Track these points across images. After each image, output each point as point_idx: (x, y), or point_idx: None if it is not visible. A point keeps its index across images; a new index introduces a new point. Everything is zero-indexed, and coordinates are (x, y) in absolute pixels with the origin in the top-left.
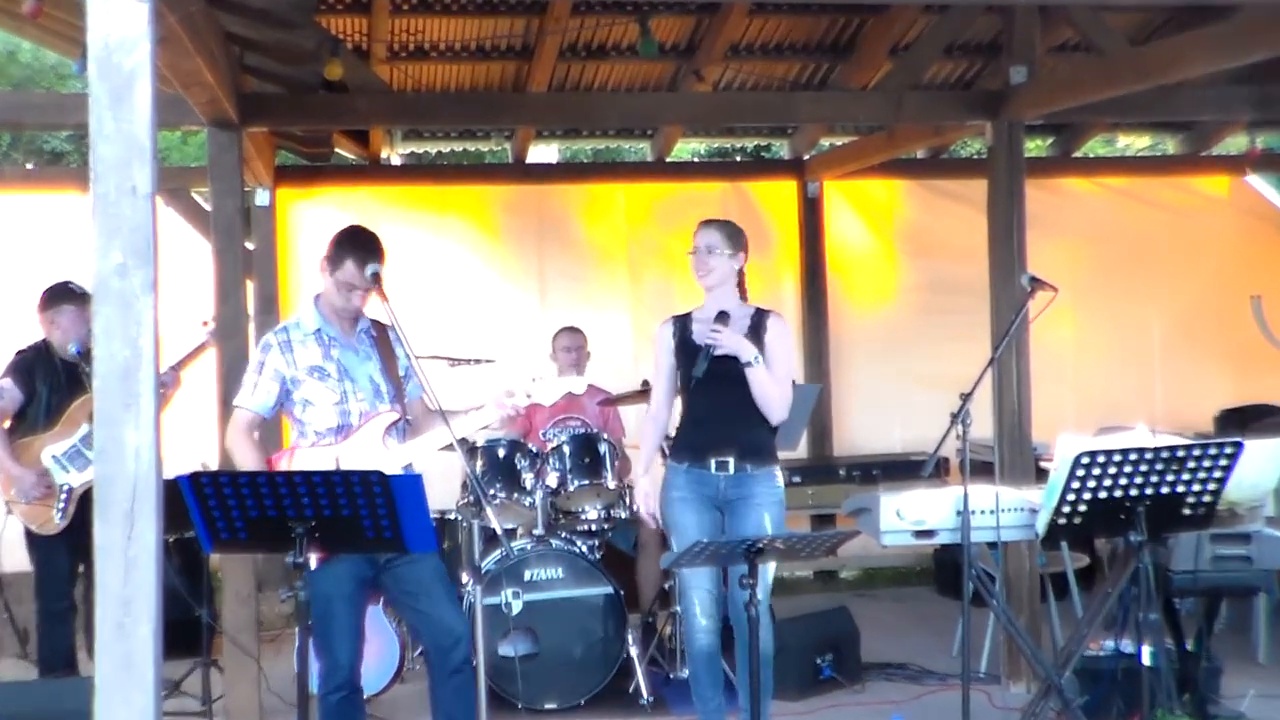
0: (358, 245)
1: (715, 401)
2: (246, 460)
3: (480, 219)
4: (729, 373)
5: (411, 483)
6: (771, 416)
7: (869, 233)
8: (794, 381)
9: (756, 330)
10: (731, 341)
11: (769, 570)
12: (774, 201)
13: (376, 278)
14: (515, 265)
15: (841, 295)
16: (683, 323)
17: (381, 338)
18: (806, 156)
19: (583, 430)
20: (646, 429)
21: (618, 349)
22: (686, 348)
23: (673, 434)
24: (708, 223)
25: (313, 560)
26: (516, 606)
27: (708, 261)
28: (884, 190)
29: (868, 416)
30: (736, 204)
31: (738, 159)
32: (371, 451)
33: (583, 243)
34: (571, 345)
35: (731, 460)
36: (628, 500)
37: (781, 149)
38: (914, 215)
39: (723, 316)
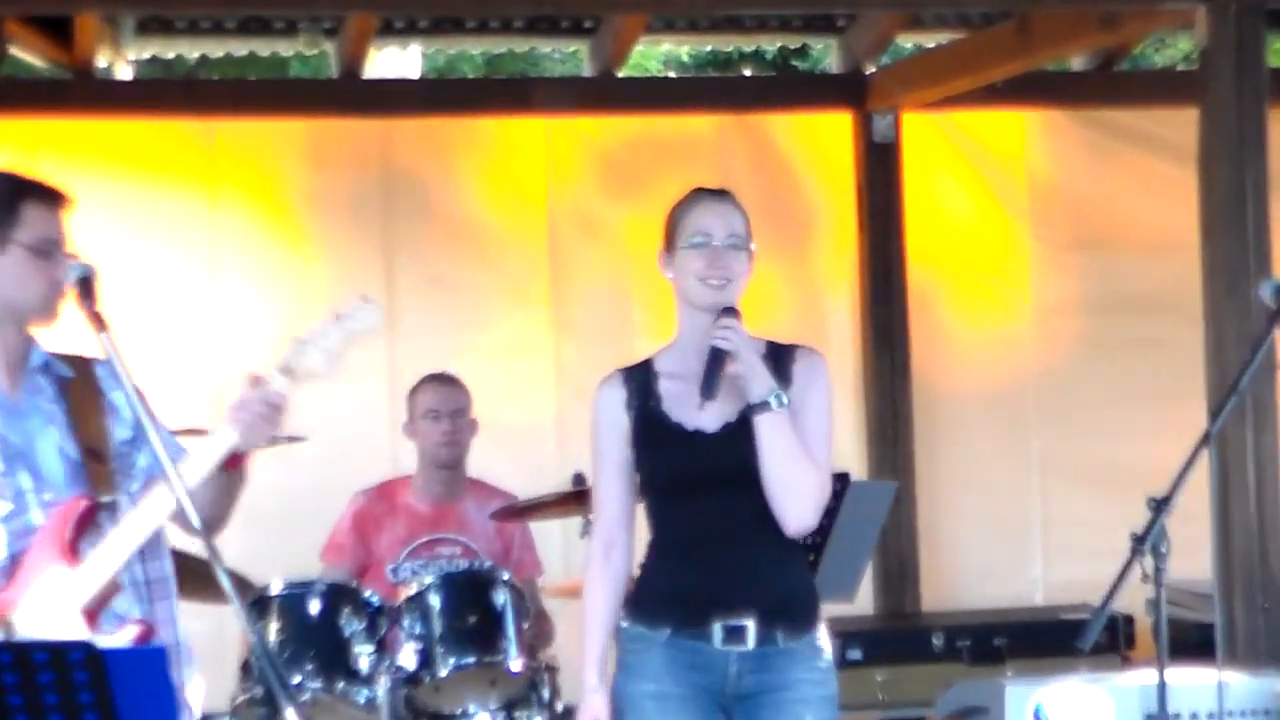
0: (46, 197)
1: (716, 513)
2: None
3: (277, 177)
4: (741, 458)
5: (142, 662)
6: (796, 515)
7: (982, 203)
8: (847, 476)
9: (777, 370)
10: (747, 357)
11: None
12: (812, 148)
13: (87, 284)
14: (340, 260)
15: (933, 318)
16: (641, 380)
17: (78, 383)
18: (871, 69)
19: (464, 564)
20: (592, 572)
21: (529, 417)
22: (651, 424)
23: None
24: (721, 195)
25: None
26: None
27: (728, 261)
28: (1009, 128)
29: (980, 541)
30: (745, 153)
31: (746, 73)
32: (56, 593)
33: (465, 222)
34: (443, 408)
35: (751, 625)
36: (547, 696)
37: (826, 55)
38: (1063, 172)
39: (730, 313)
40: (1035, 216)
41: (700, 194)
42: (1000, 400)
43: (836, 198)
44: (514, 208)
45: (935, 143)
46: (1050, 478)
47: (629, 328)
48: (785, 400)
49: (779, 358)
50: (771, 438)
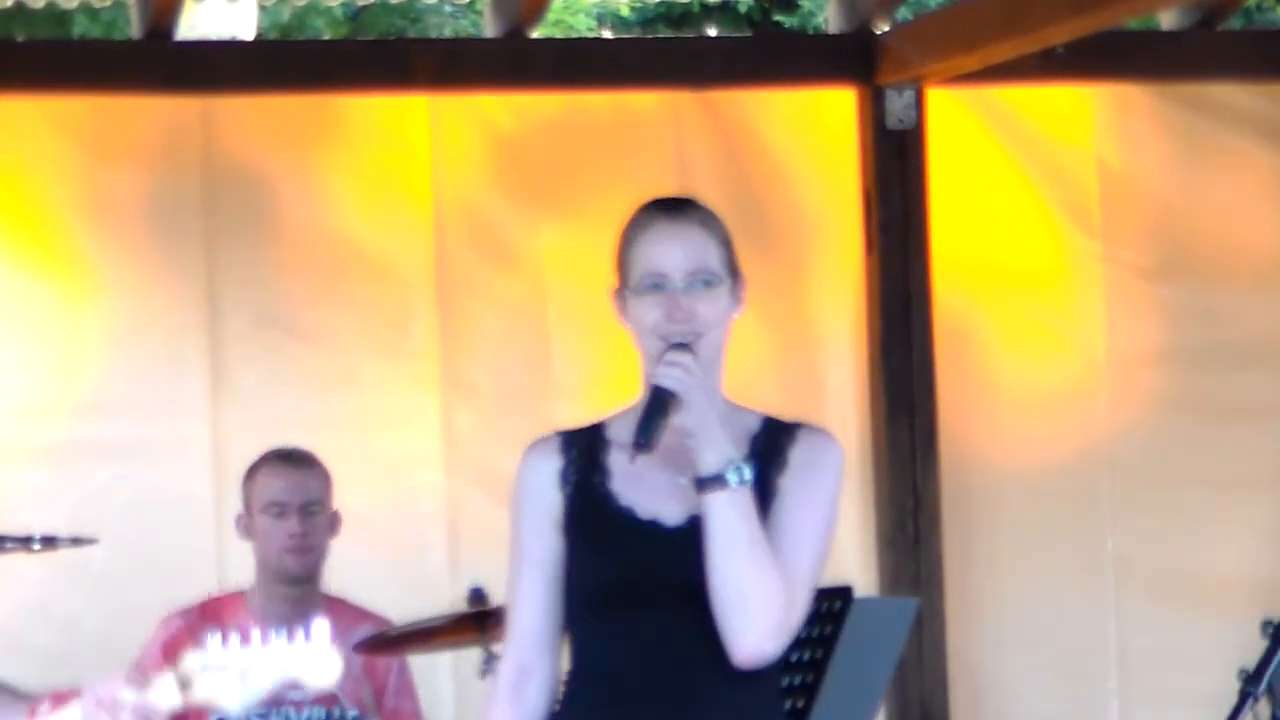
0: None
1: (662, 638)
2: None
3: (45, 176)
4: (684, 568)
5: None
6: (747, 640)
7: (1035, 213)
8: (849, 591)
9: (771, 455)
10: (701, 409)
11: None
12: (802, 136)
13: None
14: (138, 295)
15: (968, 370)
16: (585, 448)
17: None
18: (883, 29)
19: (319, 715)
20: (497, 713)
21: (409, 510)
22: (591, 508)
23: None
24: (679, 211)
25: None
26: None
27: (694, 306)
28: (1072, 110)
29: (1032, 678)
30: (708, 144)
31: (711, 33)
32: None
33: (318, 239)
34: (290, 499)
35: None
36: None
37: (821, 10)
38: (1145, 169)
39: (682, 348)
40: (1108, 231)
41: (651, 213)
42: (1061, 483)
43: (835, 204)
44: (387, 219)
45: (970, 129)
46: (1129, 591)
47: (545, 388)
48: (748, 475)
49: (774, 436)
50: (724, 526)
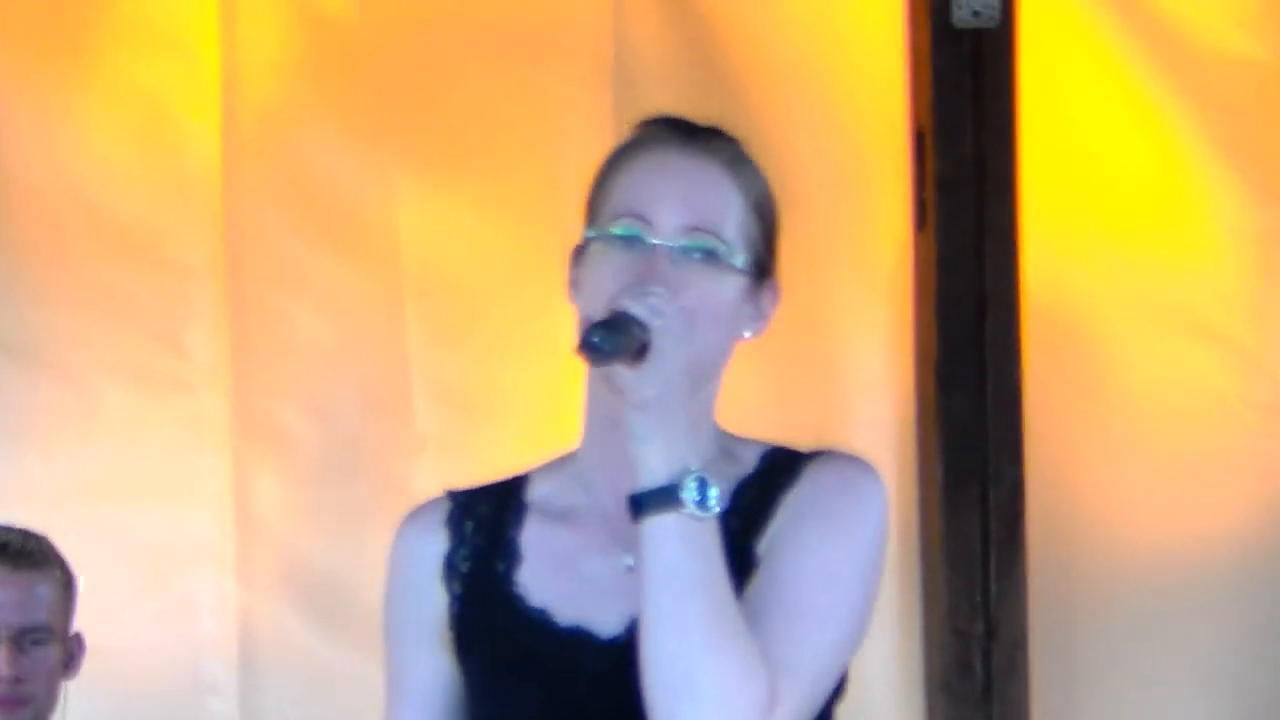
0: None
1: None
2: None
3: None
4: (623, 706)
5: None
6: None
7: (1192, 169)
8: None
9: (763, 503)
10: (667, 374)
11: None
12: (815, 41)
13: None
14: None
15: (1079, 425)
16: (489, 517)
17: None
18: None
19: None
20: None
21: (181, 625)
22: (490, 609)
23: None
24: (710, 136)
25: None
26: None
27: (683, 281)
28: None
29: None
30: (673, 52)
31: None
32: None
33: (42, 194)
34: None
35: None
36: None
37: None
38: None
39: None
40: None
41: (651, 132)
42: (1224, 596)
43: (869, 149)
44: (150, 171)
45: (1086, 26)
46: None
47: (398, 436)
48: (714, 498)
49: (772, 475)
50: (667, 566)
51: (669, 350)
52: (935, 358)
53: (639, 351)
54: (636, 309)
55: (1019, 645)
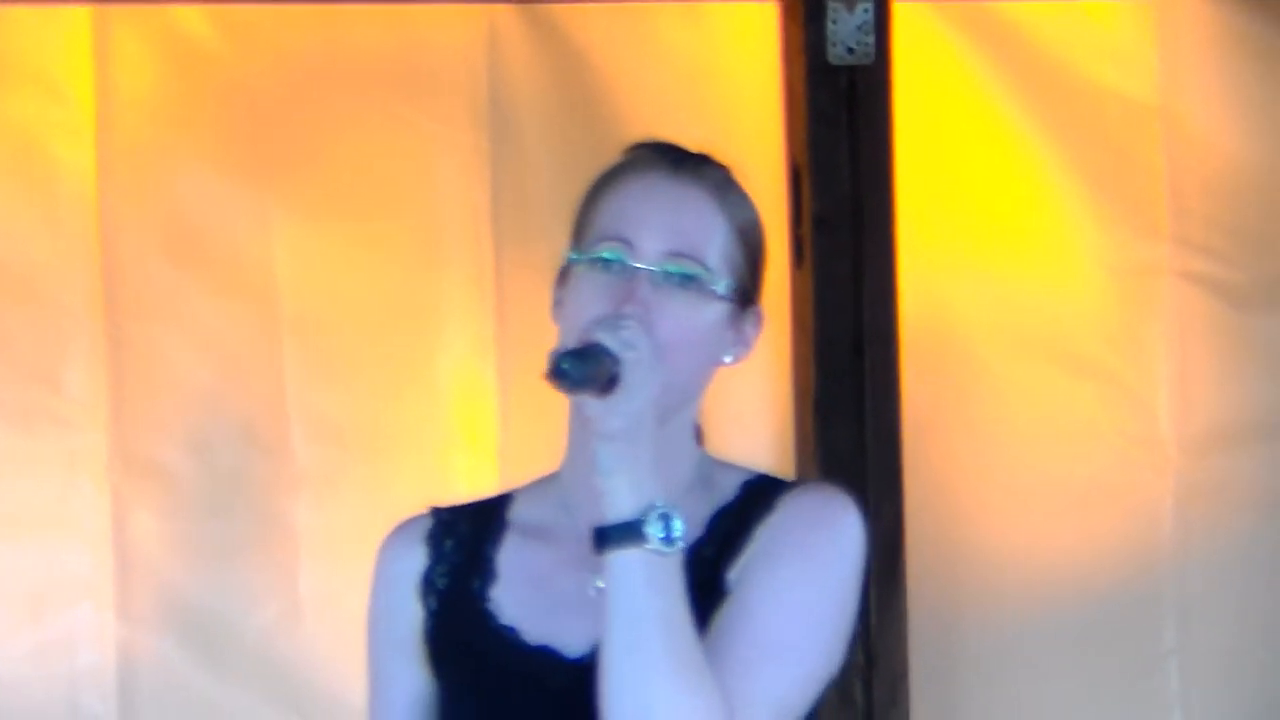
0: None
1: None
2: None
3: None
4: None
5: None
6: None
7: (1067, 203)
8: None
9: (737, 533)
10: (635, 408)
11: None
12: (691, 79)
13: None
14: None
15: (956, 462)
16: (468, 534)
17: None
18: None
19: None
20: None
21: (55, 670)
22: (459, 625)
23: None
24: (699, 163)
25: None
26: None
27: (661, 306)
28: (1124, 30)
29: None
30: (542, 84)
31: None
32: None
33: None
34: None
35: None
36: None
37: None
38: (1218, 115)
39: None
40: (1180, 229)
41: (639, 156)
42: (1101, 627)
43: (751, 186)
44: (22, 200)
45: (960, 65)
46: None
47: (279, 472)
48: (679, 534)
49: (752, 495)
50: (629, 601)
51: (638, 384)
52: (814, 392)
53: (609, 383)
54: (609, 340)
55: (900, 677)
